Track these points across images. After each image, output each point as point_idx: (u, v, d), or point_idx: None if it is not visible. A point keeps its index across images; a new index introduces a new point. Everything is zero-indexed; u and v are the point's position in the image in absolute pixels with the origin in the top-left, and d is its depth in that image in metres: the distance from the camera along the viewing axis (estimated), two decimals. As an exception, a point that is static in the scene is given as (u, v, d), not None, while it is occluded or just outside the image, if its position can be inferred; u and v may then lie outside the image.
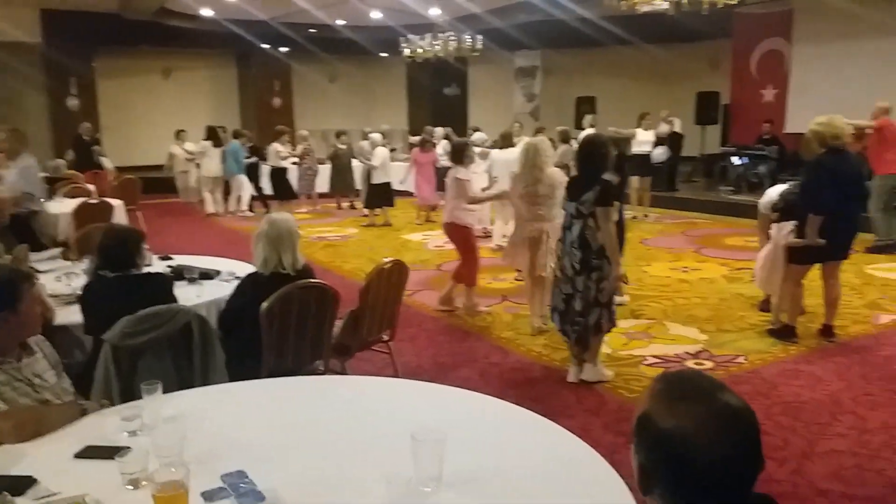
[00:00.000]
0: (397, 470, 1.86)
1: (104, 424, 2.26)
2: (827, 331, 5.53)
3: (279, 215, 3.61)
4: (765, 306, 6.18)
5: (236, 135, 13.30)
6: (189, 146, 13.95)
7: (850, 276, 7.16)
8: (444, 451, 1.85)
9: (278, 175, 12.69)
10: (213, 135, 13.18)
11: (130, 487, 1.87)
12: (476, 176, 6.36)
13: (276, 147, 12.66)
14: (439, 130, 13.90)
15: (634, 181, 11.25)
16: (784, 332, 5.52)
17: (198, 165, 13.67)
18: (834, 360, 5.06)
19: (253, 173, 13.37)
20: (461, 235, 6.38)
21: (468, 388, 2.71)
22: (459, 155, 6.47)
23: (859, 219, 5.53)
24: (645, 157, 11.57)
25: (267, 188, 13.34)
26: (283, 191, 12.73)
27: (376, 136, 12.35)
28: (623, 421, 4.15)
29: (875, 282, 7.25)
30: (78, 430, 2.24)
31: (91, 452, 2.06)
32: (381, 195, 11.85)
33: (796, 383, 4.68)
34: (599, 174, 4.54)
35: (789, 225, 5.42)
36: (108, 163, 12.90)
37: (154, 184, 13.93)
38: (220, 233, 11.64)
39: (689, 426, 1.20)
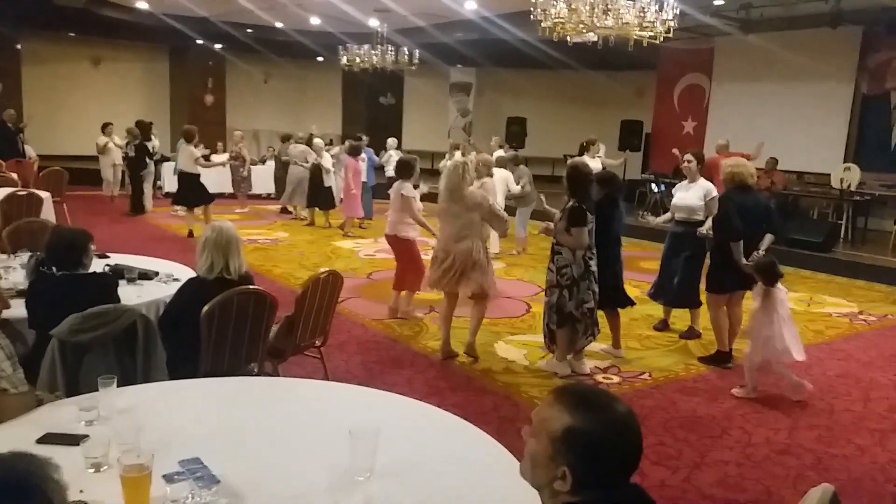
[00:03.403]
0: (335, 461, 2.11)
1: (61, 414, 2.43)
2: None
3: (223, 222, 3.79)
4: (661, 326, 6.75)
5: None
6: (116, 139, 13.74)
7: (750, 303, 7.72)
8: (377, 446, 2.12)
9: (189, 180, 10.97)
10: (142, 129, 13.03)
11: (92, 471, 2.07)
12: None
13: (193, 152, 11.06)
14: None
15: None
16: (718, 358, 5.90)
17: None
18: (729, 381, 5.52)
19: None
20: (403, 248, 6.65)
21: (386, 391, 2.97)
22: (408, 170, 6.66)
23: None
24: None
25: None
26: (192, 197, 11.03)
27: (320, 141, 12.57)
28: (535, 429, 4.48)
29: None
30: (36, 418, 2.41)
31: (52, 439, 2.24)
32: (328, 198, 12.26)
33: (694, 400, 5.12)
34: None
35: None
36: (31, 151, 12.61)
37: (77, 175, 13.66)
38: (144, 229, 11.56)
39: (611, 432, 1.52)
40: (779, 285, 5.27)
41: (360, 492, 2.01)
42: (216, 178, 14.03)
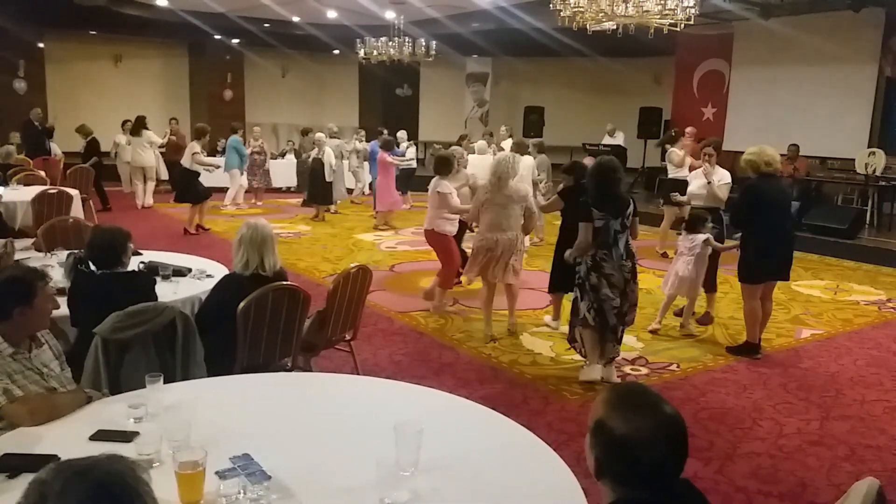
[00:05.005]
0: (379, 456, 2.14)
1: (110, 411, 2.49)
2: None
3: (258, 220, 3.84)
4: (704, 319, 6.68)
5: (234, 129, 13.05)
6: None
7: (777, 292, 7.63)
8: (421, 441, 2.15)
9: (188, 177, 10.79)
10: (136, 125, 13.15)
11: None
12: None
13: (193, 146, 10.83)
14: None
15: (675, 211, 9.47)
16: (747, 349, 5.84)
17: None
18: (758, 371, 5.51)
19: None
20: (441, 242, 6.71)
21: (423, 386, 3.03)
22: (447, 166, 6.70)
23: (793, 239, 5.99)
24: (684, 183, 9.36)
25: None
26: (191, 194, 10.74)
27: (321, 135, 12.71)
28: (565, 421, 4.51)
29: (799, 298, 7.78)
30: (87, 415, 2.47)
31: (103, 435, 2.29)
32: (327, 193, 12.36)
33: (723, 391, 5.11)
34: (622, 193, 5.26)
35: (701, 237, 6.06)
36: (56, 149, 12.77)
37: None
38: (168, 224, 11.65)
39: (636, 434, 1.54)
40: (695, 235, 6.10)
41: (407, 487, 2.05)
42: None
